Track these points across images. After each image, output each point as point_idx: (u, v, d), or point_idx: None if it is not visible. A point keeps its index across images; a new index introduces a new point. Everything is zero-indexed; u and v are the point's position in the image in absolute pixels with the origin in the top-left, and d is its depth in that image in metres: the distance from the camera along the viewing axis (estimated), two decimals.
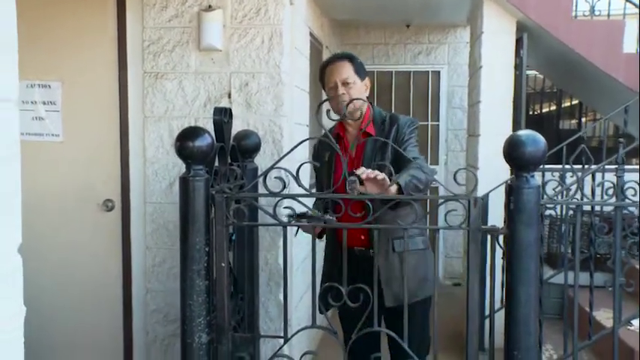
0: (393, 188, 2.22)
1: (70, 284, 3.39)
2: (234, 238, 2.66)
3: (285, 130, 3.22)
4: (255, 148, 2.88)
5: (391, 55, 6.34)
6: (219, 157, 2.46)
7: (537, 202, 1.98)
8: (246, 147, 2.81)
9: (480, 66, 4.31)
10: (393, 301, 2.59)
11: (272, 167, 2.12)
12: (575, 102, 7.45)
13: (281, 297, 3.20)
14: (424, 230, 2.71)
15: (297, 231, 2.79)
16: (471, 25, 5.14)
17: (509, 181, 2.02)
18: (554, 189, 3.00)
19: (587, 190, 3.01)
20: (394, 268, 2.59)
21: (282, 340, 3.24)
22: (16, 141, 0.88)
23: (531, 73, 6.40)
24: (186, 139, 2.26)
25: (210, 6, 3.22)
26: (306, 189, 2.19)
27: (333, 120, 2.41)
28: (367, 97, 2.70)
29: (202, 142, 2.25)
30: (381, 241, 2.54)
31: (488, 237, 2.36)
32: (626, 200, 2.55)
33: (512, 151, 1.96)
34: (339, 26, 5.87)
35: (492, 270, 2.56)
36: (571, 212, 3.36)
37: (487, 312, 3.17)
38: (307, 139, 3.30)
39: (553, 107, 7.69)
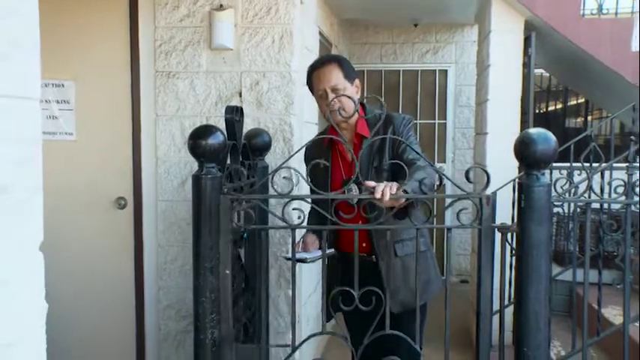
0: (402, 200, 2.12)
1: (83, 281, 3.41)
2: (245, 236, 2.66)
3: (296, 128, 3.22)
4: (266, 147, 2.88)
5: (399, 54, 6.34)
6: (231, 156, 2.46)
7: (548, 200, 1.97)
8: (257, 145, 2.81)
9: (488, 64, 4.30)
10: (399, 307, 2.49)
11: (280, 167, 2.09)
12: (580, 100, 7.43)
13: (290, 292, 3.20)
14: (425, 232, 2.61)
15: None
16: (478, 24, 5.12)
17: (519, 179, 2.01)
18: (562, 187, 2.98)
19: (596, 189, 2.99)
20: (397, 275, 2.50)
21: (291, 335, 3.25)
22: (38, 139, 0.87)
23: (538, 71, 6.38)
24: (199, 137, 2.26)
25: (221, 5, 3.21)
26: (314, 189, 2.14)
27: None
28: (358, 99, 2.57)
29: (215, 140, 2.24)
30: (383, 247, 2.48)
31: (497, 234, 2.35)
32: (636, 198, 2.53)
33: (524, 149, 1.95)
34: (348, 25, 5.87)
35: (502, 267, 2.54)
36: (579, 210, 3.35)
37: (495, 309, 3.16)
38: (317, 136, 3.28)
39: (559, 105, 7.67)
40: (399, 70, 6.35)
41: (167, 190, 3.34)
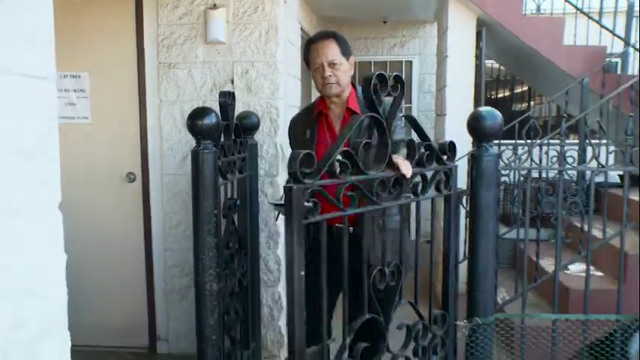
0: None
1: (100, 244, 3.40)
2: (238, 203, 2.67)
3: (281, 110, 3.21)
4: (255, 127, 2.87)
5: (370, 47, 6.31)
6: (224, 134, 2.45)
7: (495, 168, 1.99)
8: (247, 125, 2.79)
9: (446, 56, 4.31)
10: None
11: (332, 155, 1.58)
12: (525, 88, 7.47)
13: (279, 252, 3.22)
14: (402, 208, 2.23)
15: (277, 216, 2.58)
16: (438, 21, 5.12)
17: (471, 152, 2.03)
18: (507, 158, 3.03)
19: (536, 160, 3.04)
20: (386, 248, 2.14)
21: (280, 288, 3.28)
22: (55, 116, 0.86)
23: (489, 63, 6.40)
24: (196, 118, 2.25)
25: (215, 5, 3.17)
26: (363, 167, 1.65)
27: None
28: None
29: (209, 120, 2.24)
30: (366, 219, 2.09)
31: None
32: (567, 166, 2.58)
33: (475, 124, 1.97)
34: (326, 22, 5.81)
35: (458, 227, 2.58)
36: (522, 179, 3.39)
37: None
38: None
39: (507, 93, 7.71)
40: (371, 62, 6.32)
41: (170, 166, 3.32)
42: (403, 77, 1.79)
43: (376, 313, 1.73)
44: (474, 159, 1.96)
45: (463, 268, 2.10)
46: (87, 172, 3.36)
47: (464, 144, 3.58)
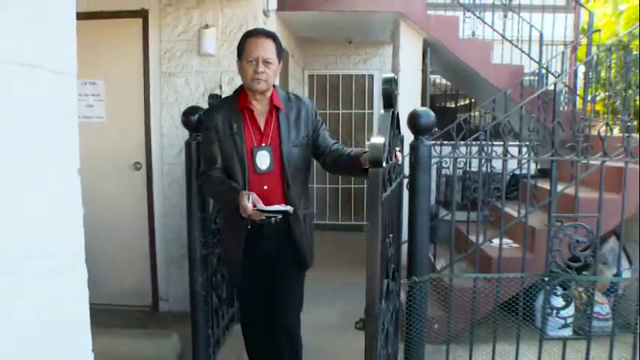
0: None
1: (111, 222, 3.42)
2: None
3: None
4: None
5: (339, 63, 6.37)
6: None
7: (429, 156, 2.00)
8: None
9: (399, 70, 4.41)
10: (311, 260, 2.17)
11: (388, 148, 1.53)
12: (467, 101, 7.62)
13: None
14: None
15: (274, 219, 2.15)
16: (393, 41, 5.22)
17: (411, 143, 2.03)
18: (447, 154, 3.15)
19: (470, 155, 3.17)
20: (303, 233, 2.11)
21: None
22: (73, 110, 0.85)
23: (439, 78, 6.50)
24: (189, 114, 2.32)
25: (207, 25, 3.24)
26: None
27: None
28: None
29: (199, 116, 2.31)
30: (292, 203, 2.03)
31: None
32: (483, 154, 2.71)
33: (414, 121, 1.98)
34: (301, 41, 5.89)
35: (401, 205, 2.66)
36: (459, 172, 3.50)
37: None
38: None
39: (453, 104, 7.87)
40: (339, 75, 6.38)
41: (169, 157, 3.37)
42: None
43: None
44: (413, 149, 1.98)
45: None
46: (101, 161, 3.39)
47: (409, 140, 3.72)
